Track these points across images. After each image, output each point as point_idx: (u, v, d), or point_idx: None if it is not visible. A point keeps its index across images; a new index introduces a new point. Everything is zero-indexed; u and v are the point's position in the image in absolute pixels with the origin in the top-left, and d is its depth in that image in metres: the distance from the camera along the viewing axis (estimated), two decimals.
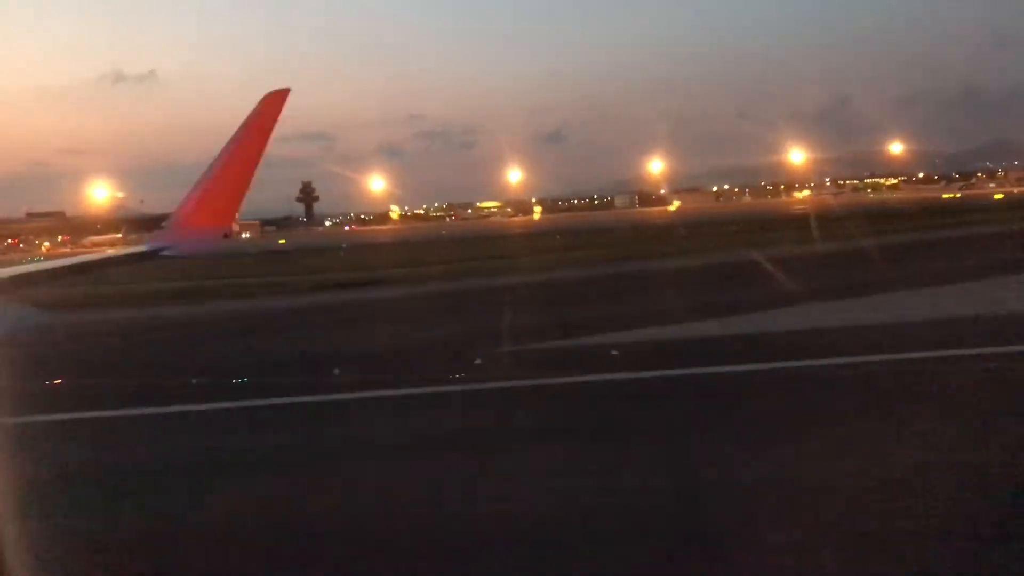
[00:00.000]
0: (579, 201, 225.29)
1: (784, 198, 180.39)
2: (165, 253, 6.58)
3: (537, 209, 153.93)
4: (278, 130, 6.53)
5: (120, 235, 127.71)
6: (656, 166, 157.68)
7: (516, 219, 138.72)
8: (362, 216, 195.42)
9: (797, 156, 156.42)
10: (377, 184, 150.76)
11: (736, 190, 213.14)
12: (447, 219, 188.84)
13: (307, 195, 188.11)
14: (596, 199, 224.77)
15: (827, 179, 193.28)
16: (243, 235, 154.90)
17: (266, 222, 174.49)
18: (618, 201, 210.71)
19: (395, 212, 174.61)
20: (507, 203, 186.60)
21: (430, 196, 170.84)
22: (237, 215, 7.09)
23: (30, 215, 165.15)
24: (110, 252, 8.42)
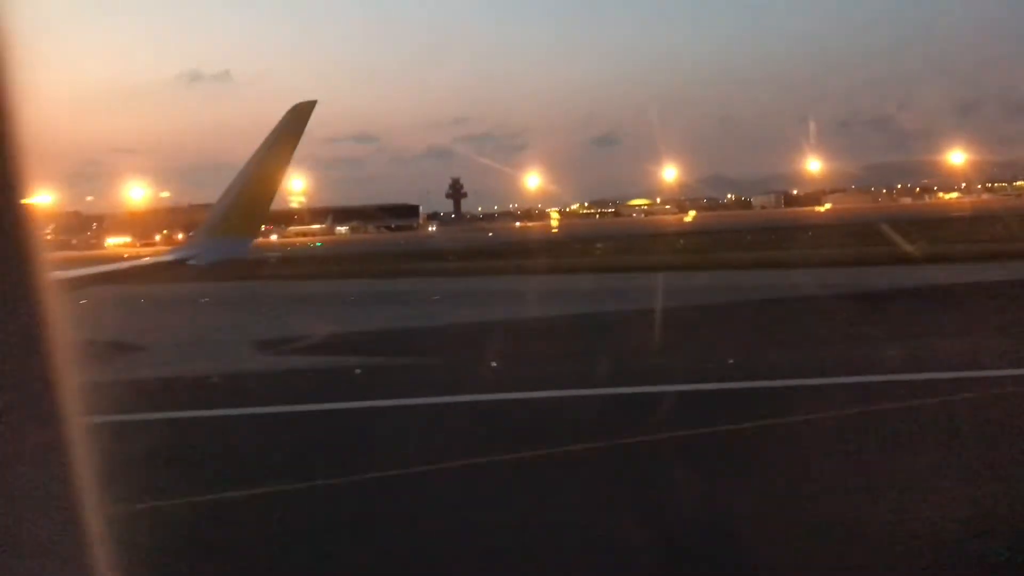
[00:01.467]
0: (703, 200, 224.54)
1: (931, 199, 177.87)
2: (192, 262, 6.45)
3: (691, 212, 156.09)
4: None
5: (322, 226, 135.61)
6: (814, 165, 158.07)
7: (673, 217, 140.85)
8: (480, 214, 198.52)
9: (956, 157, 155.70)
10: (533, 181, 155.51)
11: (884, 191, 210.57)
12: (596, 216, 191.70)
13: (456, 191, 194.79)
14: (732, 198, 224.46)
15: (983, 181, 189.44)
16: (431, 228, 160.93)
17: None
18: (757, 201, 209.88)
19: (554, 212, 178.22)
20: (658, 201, 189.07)
21: (500, 197, 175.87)
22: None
23: (192, 206, 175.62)
24: (139, 261, 8.45)
